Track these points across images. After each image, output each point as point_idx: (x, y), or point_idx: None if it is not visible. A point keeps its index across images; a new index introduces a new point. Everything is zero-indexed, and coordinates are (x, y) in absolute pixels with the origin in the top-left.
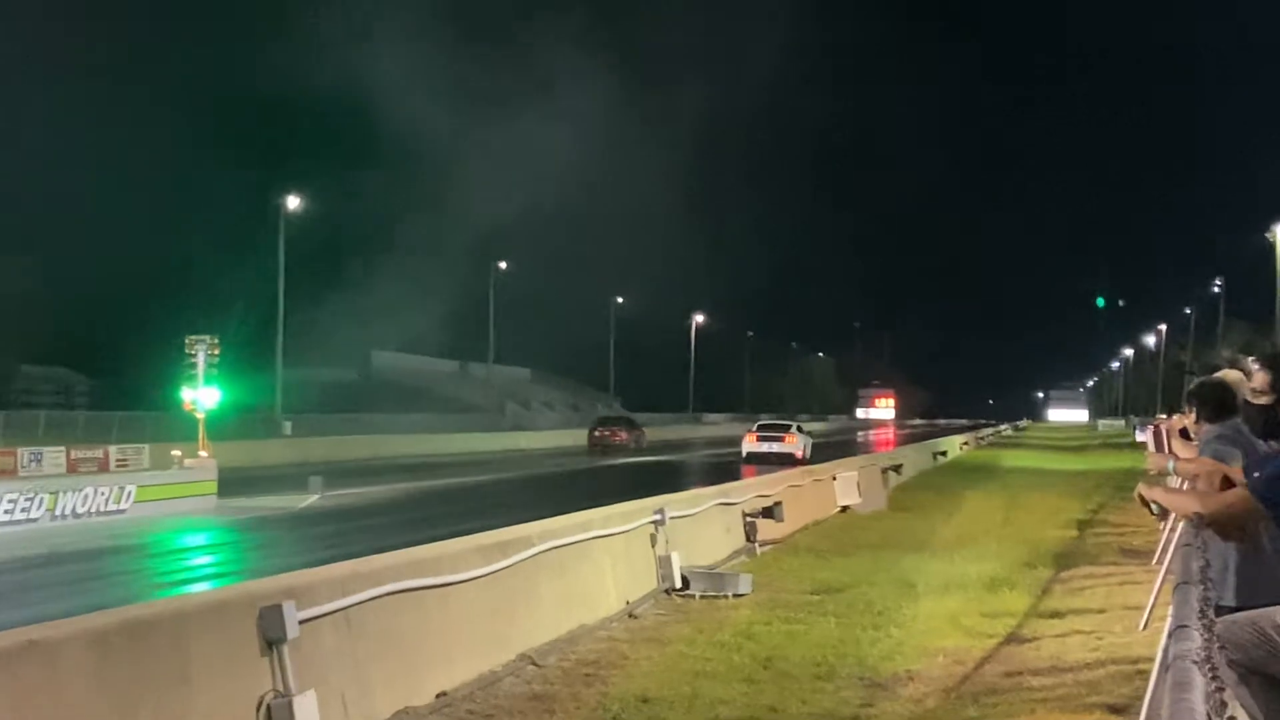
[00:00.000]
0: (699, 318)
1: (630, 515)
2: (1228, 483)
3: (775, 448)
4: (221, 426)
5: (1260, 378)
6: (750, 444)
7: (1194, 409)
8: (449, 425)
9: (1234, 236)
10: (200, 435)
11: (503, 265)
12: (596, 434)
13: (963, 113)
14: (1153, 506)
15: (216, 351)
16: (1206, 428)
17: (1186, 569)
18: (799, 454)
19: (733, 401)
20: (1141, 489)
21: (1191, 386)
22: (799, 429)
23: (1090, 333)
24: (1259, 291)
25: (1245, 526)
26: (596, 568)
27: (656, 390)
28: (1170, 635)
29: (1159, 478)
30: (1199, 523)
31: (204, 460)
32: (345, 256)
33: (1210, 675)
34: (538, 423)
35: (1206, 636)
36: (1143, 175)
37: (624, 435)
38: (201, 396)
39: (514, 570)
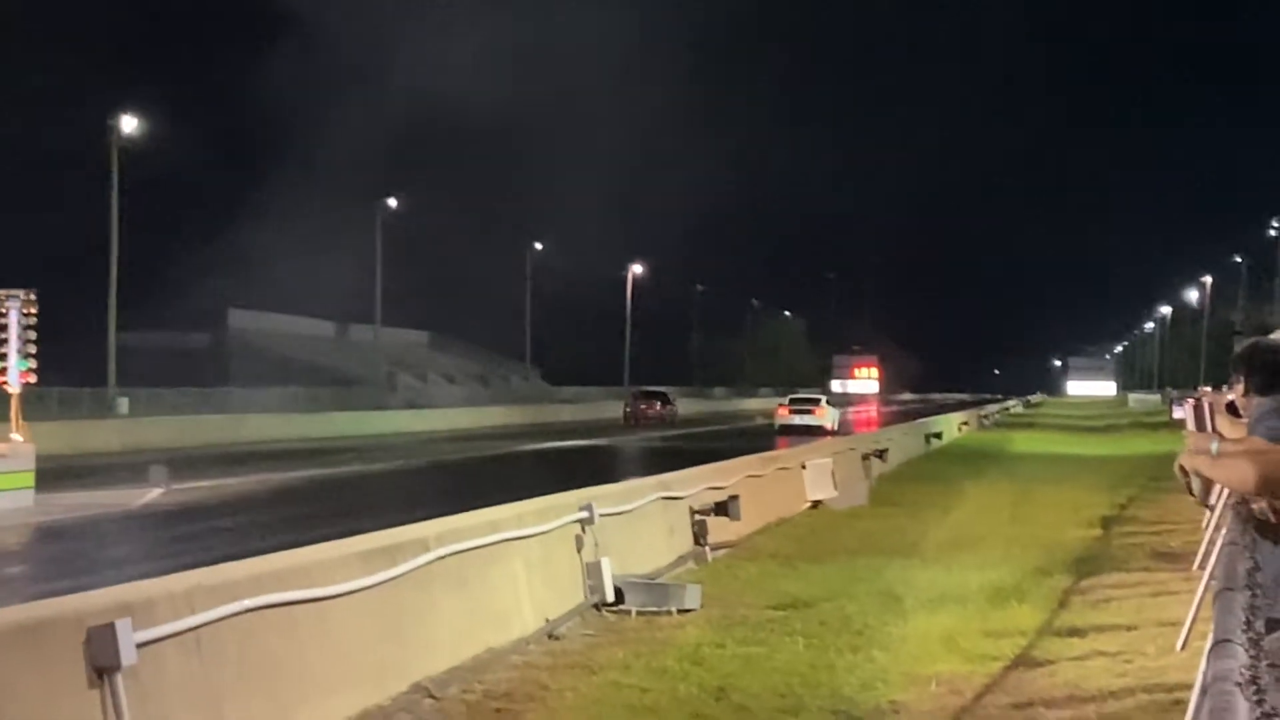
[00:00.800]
0: (637, 269)
1: (550, 512)
2: None
3: (807, 420)
4: (41, 404)
5: None
6: (783, 416)
7: (1242, 378)
8: (325, 402)
9: None
10: (13, 415)
11: (392, 203)
12: (634, 408)
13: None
14: (1194, 484)
15: (33, 310)
16: (1257, 401)
17: (1230, 572)
18: (829, 426)
19: (678, 373)
20: (1183, 459)
21: (1239, 350)
22: (828, 402)
23: (1119, 289)
24: None
25: None
26: (508, 577)
27: (585, 360)
28: (1210, 653)
29: None
30: (1245, 518)
31: (18, 445)
32: (198, 191)
33: (1256, 700)
34: (437, 399)
35: (1253, 654)
36: (1185, 101)
37: (660, 408)
38: (14, 367)
39: (406, 581)
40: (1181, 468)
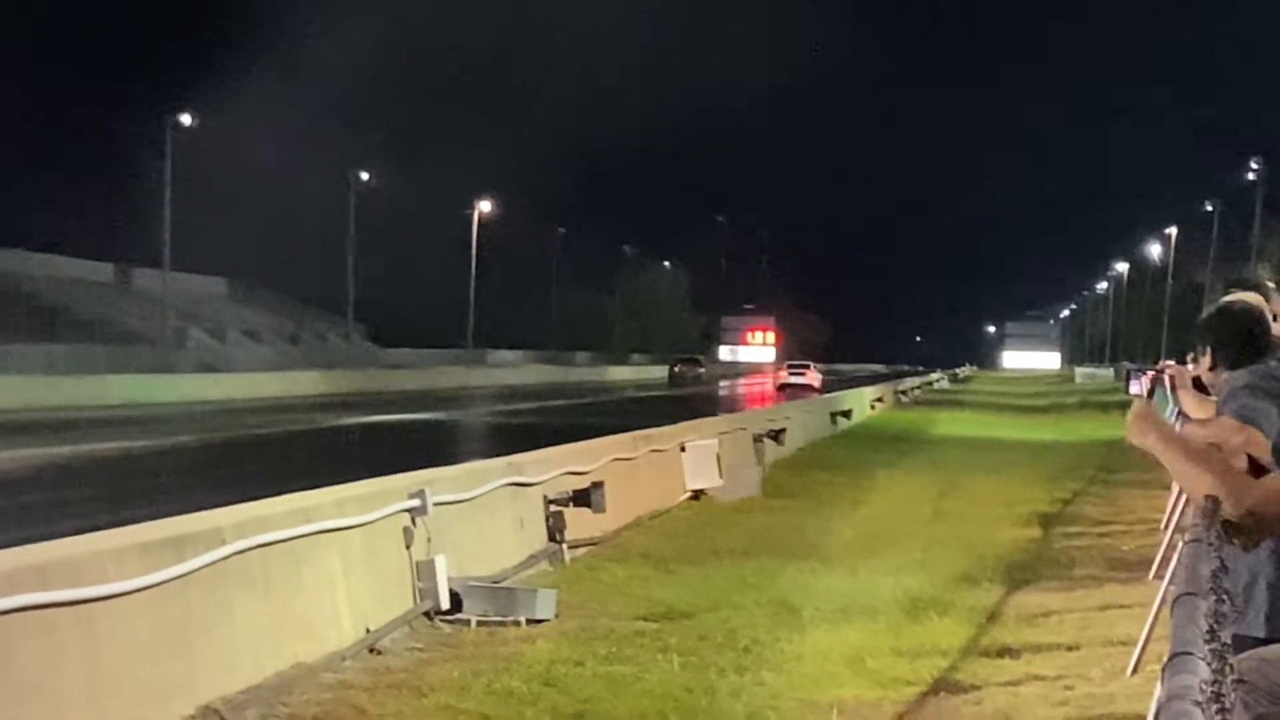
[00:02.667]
0: (485, 206)
1: (374, 499)
2: (1254, 465)
3: (800, 379)
4: None
5: None
6: (782, 377)
7: (1208, 348)
8: (99, 363)
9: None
10: None
11: (186, 120)
12: (677, 369)
13: None
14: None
15: None
16: (1228, 375)
17: (1192, 575)
18: (816, 385)
19: (535, 333)
20: (1139, 437)
21: (1205, 316)
22: (814, 366)
23: (1068, 242)
24: None
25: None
26: (322, 577)
27: (422, 317)
28: (1167, 668)
29: None
30: (1212, 513)
31: None
32: None
33: None
34: (237, 360)
35: (1217, 668)
36: (1150, 20)
37: (700, 369)
38: None
39: (196, 580)
40: (1141, 416)
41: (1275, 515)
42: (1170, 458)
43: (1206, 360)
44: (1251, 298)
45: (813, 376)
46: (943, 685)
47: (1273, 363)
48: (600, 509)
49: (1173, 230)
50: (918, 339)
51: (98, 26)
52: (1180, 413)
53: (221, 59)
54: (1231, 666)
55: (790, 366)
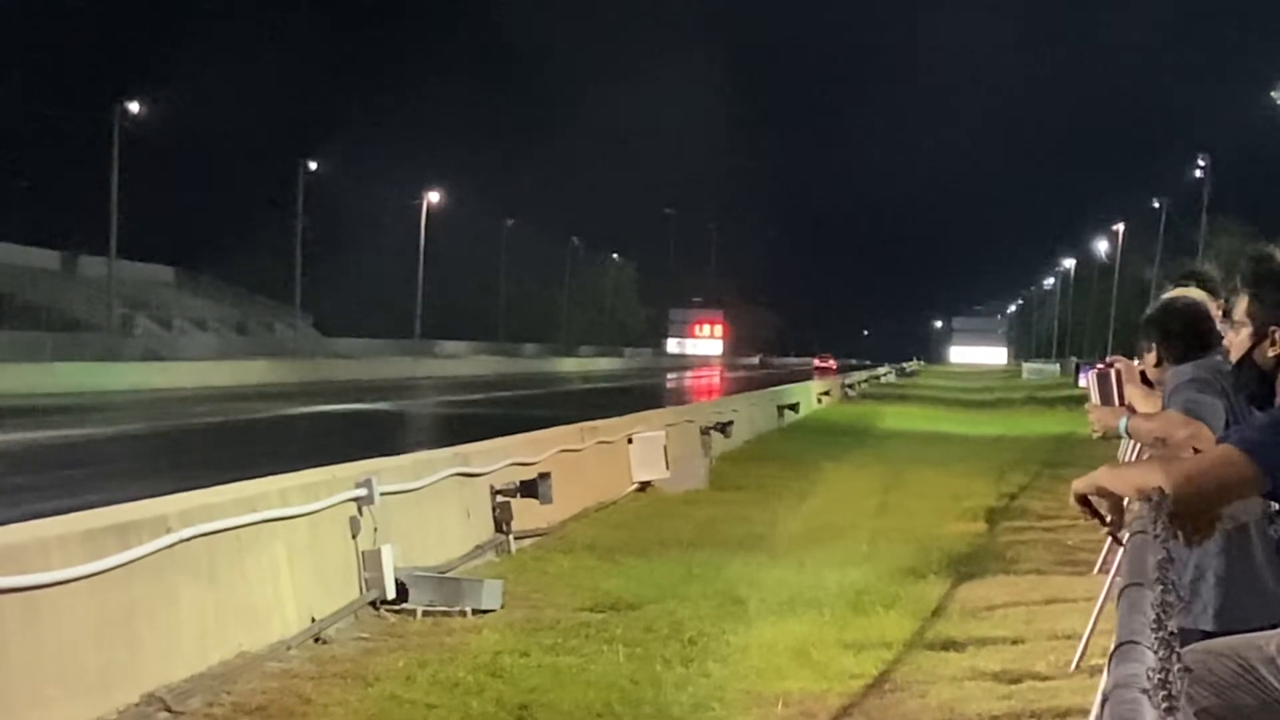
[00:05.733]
0: (433, 196)
1: (321, 489)
2: None
3: (825, 364)
4: None
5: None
6: (816, 364)
7: (1153, 343)
8: (45, 350)
9: (1224, 103)
10: None
11: (134, 107)
12: (761, 359)
13: None
14: (1102, 509)
15: None
16: (1174, 370)
17: (1138, 566)
18: (834, 367)
19: (482, 324)
20: (1079, 486)
21: (1149, 312)
22: (833, 357)
23: (1017, 237)
24: (1263, 175)
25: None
26: (267, 566)
27: (371, 306)
28: (1113, 656)
29: (1106, 442)
30: (1160, 503)
31: None
32: None
33: (1166, 709)
34: (183, 348)
35: (1163, 656)
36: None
37: (762, 358)
38: None
39: (140, 568)
40: (1079, 495)
41: (1212, 485)
42: (1109, 478)
43: (1151, 356)
44: (1195, 293)
45: (832, 362)
46: (888, 679)
47: (1217, 358)
48: (547, 500)
49: (1120, 227)
50: (865, 333)
51: (44, 12)
52: (1125, 405)
53: (171, 45)
54: (1178, 655)
55: (820, 355)
